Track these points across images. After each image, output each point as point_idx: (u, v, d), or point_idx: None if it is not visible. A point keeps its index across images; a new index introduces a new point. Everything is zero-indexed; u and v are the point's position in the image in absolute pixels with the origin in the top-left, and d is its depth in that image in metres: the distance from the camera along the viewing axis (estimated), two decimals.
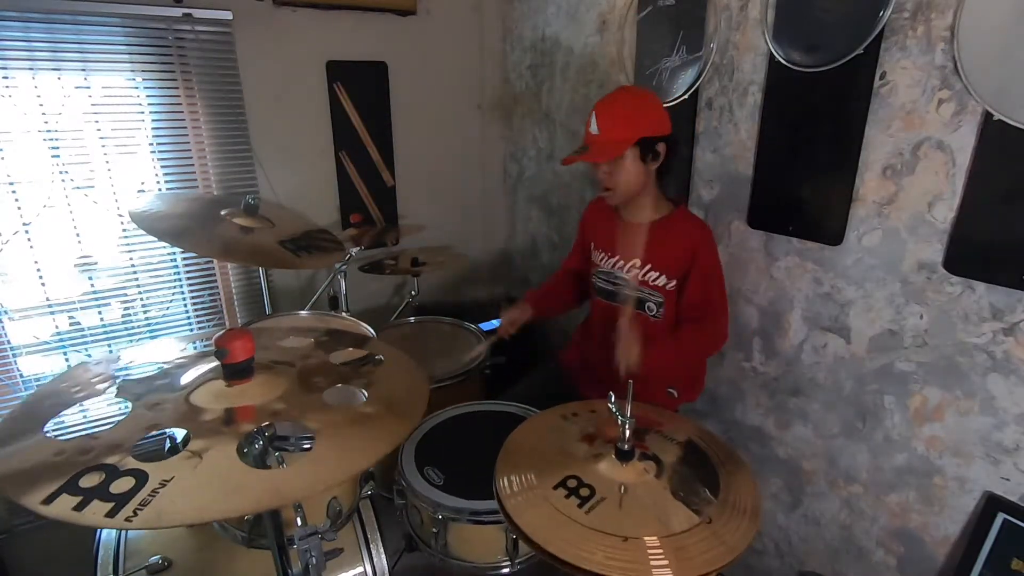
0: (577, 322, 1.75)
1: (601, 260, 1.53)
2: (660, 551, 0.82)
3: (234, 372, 0.86)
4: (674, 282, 1.41)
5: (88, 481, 0.67)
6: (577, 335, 1.71)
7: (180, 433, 0.79)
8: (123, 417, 0.79)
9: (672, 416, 1.19)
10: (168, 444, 0.76)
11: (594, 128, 1.35)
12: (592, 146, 1.36)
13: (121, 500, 0.65)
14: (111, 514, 0.63)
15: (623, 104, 1.38)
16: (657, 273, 1.42)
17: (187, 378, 0.91)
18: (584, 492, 0.93)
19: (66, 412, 0.83)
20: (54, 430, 0.76)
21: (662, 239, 1.41)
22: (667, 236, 1.41)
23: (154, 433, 0.78)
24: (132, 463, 0.71)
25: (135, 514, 0.64)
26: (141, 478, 0.68)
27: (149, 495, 0.66)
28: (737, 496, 0.93)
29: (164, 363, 0.97)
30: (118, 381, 0.91)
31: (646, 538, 0.83)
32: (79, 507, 0.64)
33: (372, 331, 1.63)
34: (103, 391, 0.88)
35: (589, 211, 1.66)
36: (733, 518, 0.88)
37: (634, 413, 0.97)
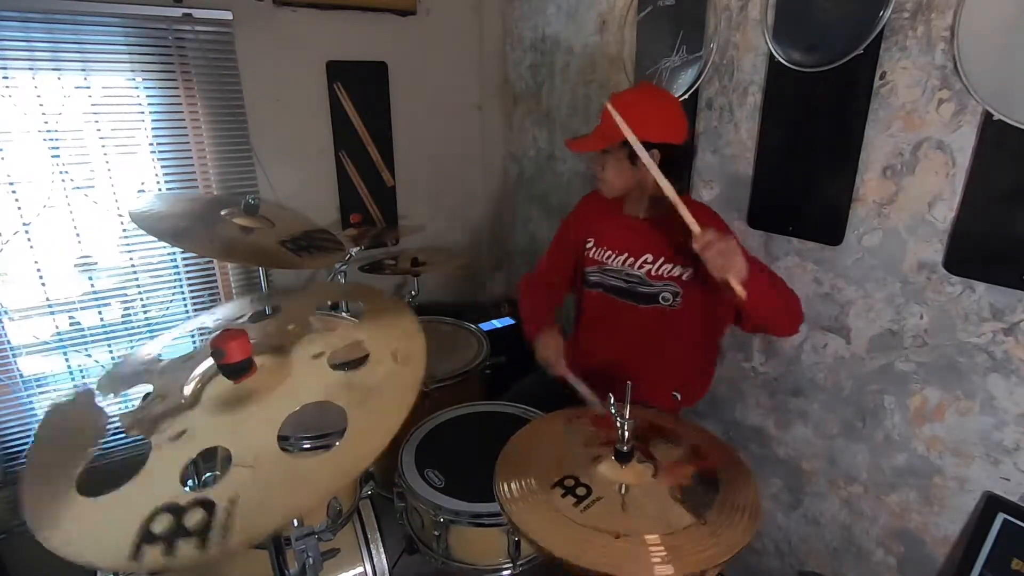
0: (569, 323, 1.73)
1: (608, 258, 1.51)
2: (653, 548, 0.82)
3: (234, 371, 0.86)
4: (691, 271, 1.38)
5: (160, 526, 0.66)
6: (582, 332, 1.68)
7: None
8: (149, 455, 0.78)
9: (675, 421, 1.19)
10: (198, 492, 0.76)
11: (599, 120, 1.37)
12: (591, 133, 1.38)
13: (202, 531, 0.65)
14: (202, 547, 0.63)
15: (627, 100, 1.37)
16: (671, 265, 1.40)
17: (188, 386, 0.90)
18: (581, 491, 0.93)
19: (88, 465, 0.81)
20: (87, 487, 0.75)
21: (669, 230, 1.40)
22: (674, 227, 1.40)
23: (193, 458, 0.77)
24: (190, 495, 0.70)
25: (224, 537, 0.63)
26: (209, 506, 0.68)
27: (226, 517, 0.66)
28: (736, 498, 0.93)
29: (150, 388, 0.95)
30: (115, 416, 0.89)
31: (644, 536, 0.84)
32: (167, 552, 0.63)
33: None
34: (104, 429, 0.87)
35: (584, 207, 1.64)
36: (731, 516, 0.88)
37: (636, 418, 0.97)
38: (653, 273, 1.43)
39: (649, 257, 1.43)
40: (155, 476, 0.74)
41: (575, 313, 1.70)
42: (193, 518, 0.67)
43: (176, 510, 0.68)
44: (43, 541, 0.66)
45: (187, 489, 0.71)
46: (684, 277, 1.40)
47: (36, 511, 0.71)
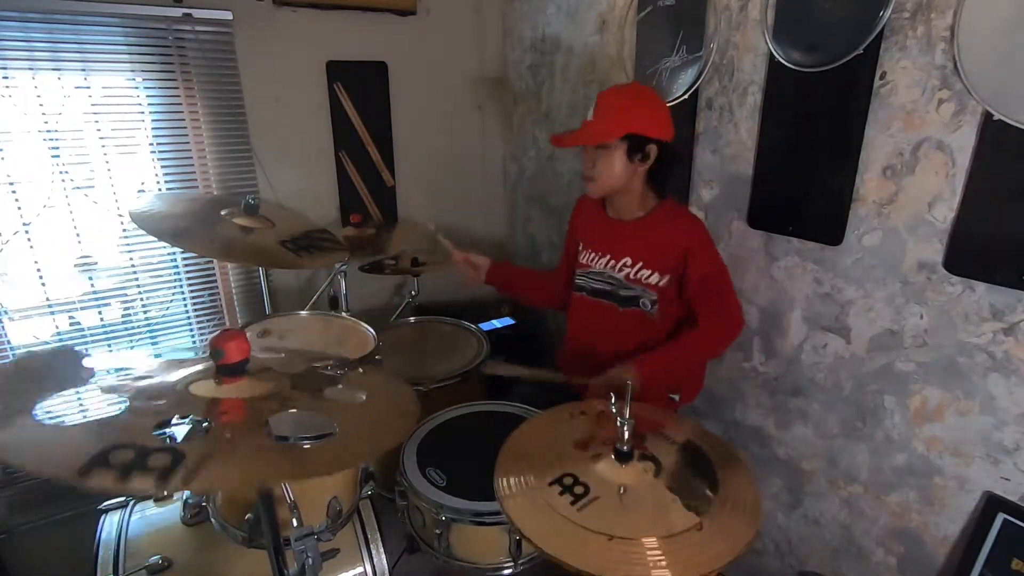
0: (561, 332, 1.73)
1: (593, 260, 1.51)
2: (650, 552, 0.82)
3: (230, 372, 0.86)
4: (667, 278, 1.39)
5: (119, 458, 0.66)
6: (571, 337, 1.69)
7: (181, 432, 0.78)
8: (124, 408, 0.78)
9: (672, 416, 1.19)
10: (168, 443, 0.74)
11: (590, 114, 1.36)
12: (583, 129, 1.37)
13: (165, 472, 0.65)
14: (162, 481, 0.63)
15: (622, 96, 1.38)
16: (649, 271, 1.40)
17: (176, 376, 0.91)
18: (578, 490, 0.93)
19: (53, 401, 0.81)
20: (47, 416, 0.74)
21: (651, 235, 1.40)
22: (656, 231, 1.40)
23: (169, 421, 0.77)
24: (159, 443, 0.70)
25: (186, 482, 0.64)
26: (177, 456, 0.68)
27: (194, 468, 0.66)
28: (736, 494, 0.93)
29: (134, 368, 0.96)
30: (94, 380, 0.89)
31: (641, 539, 0.83)
32: (120, 479, 0.63)
33: (372, 331, 1.63)
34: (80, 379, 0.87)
35: (577, 211, 1.65)
36: (733, 517, 0.88)
37: (634, 414, 0.97)
38: (631, 277, 1.43)
39: (628, 260, 1.43)
40: (127, 422, 0.75)
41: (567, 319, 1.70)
42: (157, 461, 0.67)
43: (142, 451, 0.68)
44: None
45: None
46: (661, 284, 1.40)
47: None
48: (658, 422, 1.13)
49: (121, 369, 0.93)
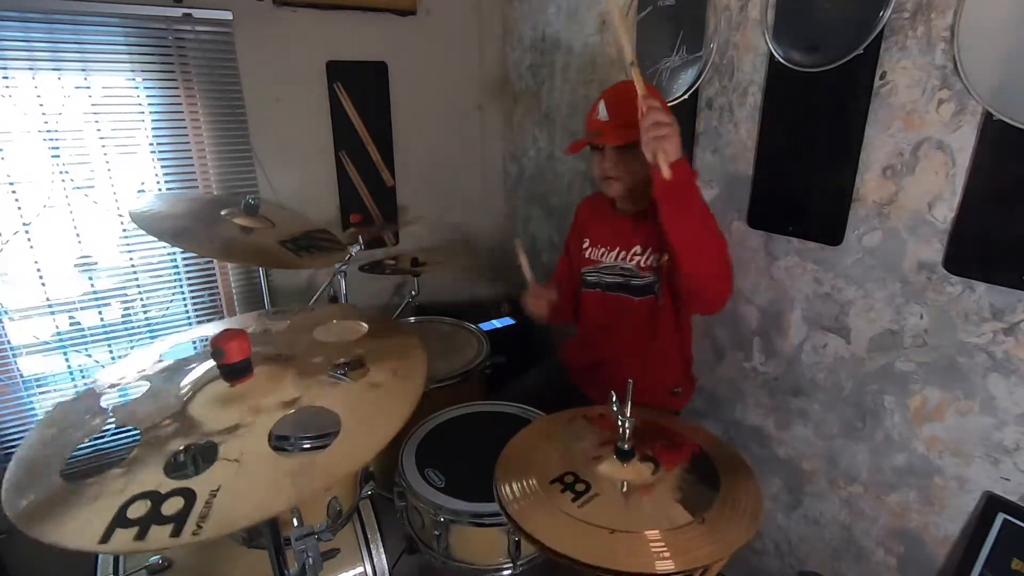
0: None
1: (602, 255, 1.53)
2: (653, 544, 0.82)
3: (233, 372, 0.86)
4: (666, 256, 1.40)
5: (136, 511, 0.67)
6: (581, 333, 1.70)
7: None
8: (137, 444, 0.79)
9: (680, 423, 1.19)
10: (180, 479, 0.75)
11: (603, 115, 1.35)
12: (604, 132, 1.36)
13: (179, 519, 0.65)
14: (176, 534, 0.63)
15: (631, 89, 1.38)
16: (659, 254, 1.42)
17: (184, 386, 0.91)
18: (580, 488, 0.93)
19: (76, 452, 0.82)
20: (71, 474, 0.75)
21: (655, 222, 1.42)
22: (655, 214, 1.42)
23: (179, 450, 0.78)
24: (172, 484, 0.70)
25: (200, 527, 0.64)
26: (189, 496, 0.68)
27: (205, 507, 0.66)
28: (737, 497, 0.93)
29: (149, 378, 0.96)
30: (111, 410, 0.89)
31: (644, 532, 0.84)
32: (139, 536, 0.63)
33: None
34: (101, 424, 0.87)
35: (578, 216, 1.67)
36: (732, 514, 0.88)
37: (643, 420, 0.97)
38: (643, 264, 1.45)
39: (638, 248, 1.45)
40: (141, 465, 0.74)
41: (576, 317, 1.70)
42: (171, 506, 0.67)
43: (156, 498, 0.68)
44: (14, 520, 0.67)
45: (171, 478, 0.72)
46: (664, 262, 1.41)
47: (12, 491, 0.72)
48: (667, 431, 1.12)
49: (126, 389, 0.94)
